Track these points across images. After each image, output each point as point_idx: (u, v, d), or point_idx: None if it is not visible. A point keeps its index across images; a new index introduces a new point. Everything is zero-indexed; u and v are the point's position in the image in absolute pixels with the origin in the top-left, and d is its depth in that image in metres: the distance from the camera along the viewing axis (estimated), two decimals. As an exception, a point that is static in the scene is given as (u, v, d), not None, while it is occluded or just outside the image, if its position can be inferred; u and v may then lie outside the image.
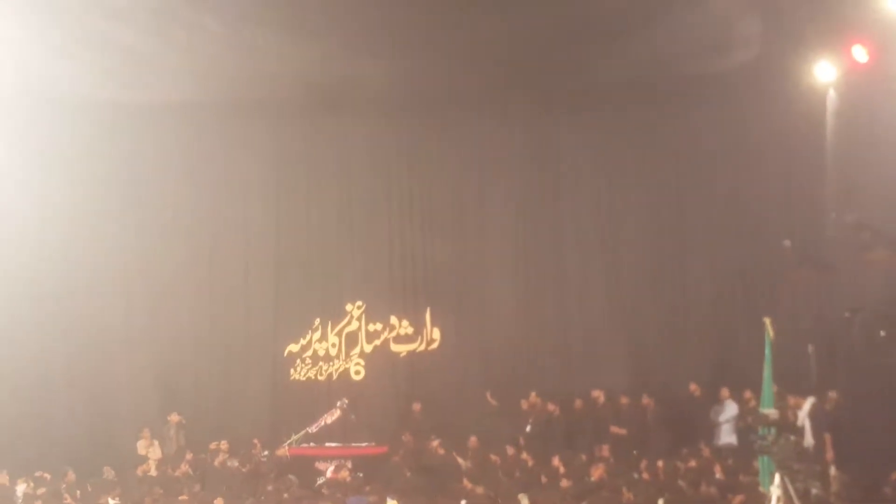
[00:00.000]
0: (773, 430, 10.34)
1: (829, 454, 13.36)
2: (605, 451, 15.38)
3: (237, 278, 18.73)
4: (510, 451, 15.65)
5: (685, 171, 18.04)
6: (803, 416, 13.90)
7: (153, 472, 15.96)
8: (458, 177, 18.88)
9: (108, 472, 15.74)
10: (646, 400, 16.50)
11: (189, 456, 16.36)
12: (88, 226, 17.92)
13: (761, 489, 10.80)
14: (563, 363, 18.21)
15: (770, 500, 9.49)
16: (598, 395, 16.95)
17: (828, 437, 13.61)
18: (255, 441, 16.81)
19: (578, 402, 16.99)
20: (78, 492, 14.64)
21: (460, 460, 15.34)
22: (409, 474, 14.63)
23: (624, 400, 16.71)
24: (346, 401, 16.66)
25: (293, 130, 18.73)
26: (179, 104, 17.52)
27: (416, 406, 17.74)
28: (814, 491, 9.93)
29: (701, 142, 17.68)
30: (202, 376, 18.32)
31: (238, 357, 18.45)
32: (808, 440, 13.43)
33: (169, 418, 17.49)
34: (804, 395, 14.12)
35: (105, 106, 17.44)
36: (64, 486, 14.76)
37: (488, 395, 17.69)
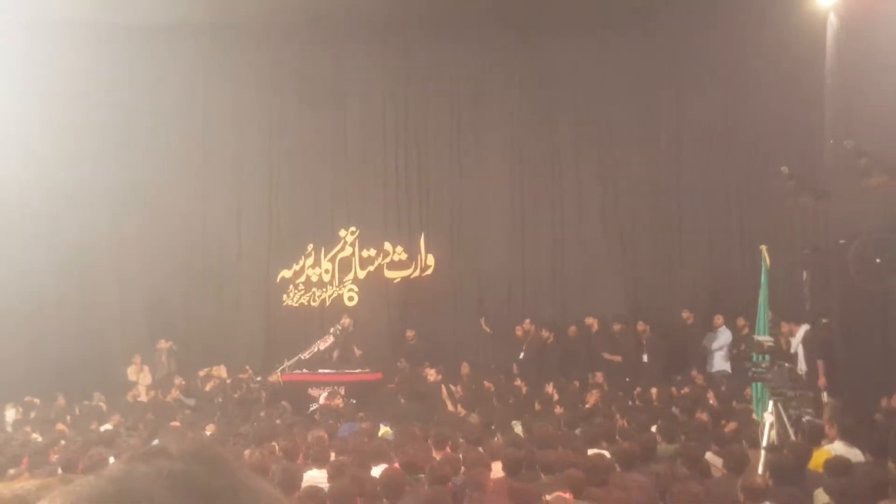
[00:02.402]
0: (766, 358, 10.30)
1: (822, 381, 13.40)
2: (599, 378, 15.40)
3: (229, 203, 18.61)
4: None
5: (682, 96, 17.82)
6: (797, 342, 13.93)
7: (143, 398, 15.95)
8: (453, 101, 18.66)
9: (99, 398, 15.73)
10: (640, 327, 16.50)
11: (180, 381, 16.36)
12: (79, 150, 17.67)
13: (754, 416, 10.83)
14: (557, 290, 18.20)
15: (763, 427, 9.46)
16: (592, 322, 16.95)
17: (821, 363, 13.64)
18: (247, 367, 16.83)
19: (573, 329, 17.00)
20: (68, 417, 14.62)
21: (454, 387, 15.34)
22: (402, 401, 14.63)
23: (617, 327, 16.70)
24: (340, 326, 16.58)
25: (287, 54, 18.47)
26: (173, 26, 17.29)
27: (410, 333, 17.73)
28: (806, 417, 9.92)
29: (698, 66, 17.43)
30: (194, 302, 18.29)
31: (230, 283, 18.42)
32: (802, 367, 13.47)
33: (159, 345, 17.47)
34: (798, 322, 14.13)
35: (100, 28, 17.21)
36: (54, 412, 14.73)
37: (482, 321, 17.69)
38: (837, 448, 8.58)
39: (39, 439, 11.89)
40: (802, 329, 14.03)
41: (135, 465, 1.17)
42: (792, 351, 13.87)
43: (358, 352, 16.66)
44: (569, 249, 18.28)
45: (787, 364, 10.33)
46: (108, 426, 13.19)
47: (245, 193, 18.62)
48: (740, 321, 15.34)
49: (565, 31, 17.84)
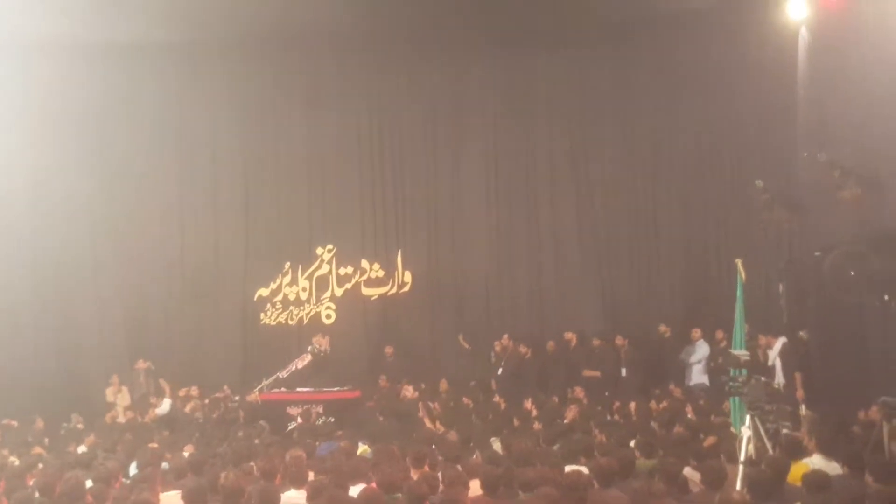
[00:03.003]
0: (743, 372, 10.33)
1: (800, 393, 13.46)
2: (578, 393, 15.37)
3: (206, 222, 18.57)
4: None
5: (657, 110, 17.90)
6: (774, 355, 13.98)
7: (121, 419, 15.82)
8: (429, 117, 18.70)
9: (77, 420, 15.59)
10: (618, 341, 16.50)
11: (158, 402, 16.22)
12: (55, 170, 17.58)
13: (732, 430, 10.83)
14: (535, 305, 18.23)
15: (741, 441, 9.46)
16: (571, 337, 16.94)
17: (798, 376, 13.70)
18: (225, 387, 16.75)
19: (551, 345, 17.00)
20: (46, 439, 14.48)
21: (432, 404, 15.29)
22: (381, 419, 14.57)
23: (596, 342, 16.70)
24: (318, 346, 16.48)
25: (261, 71, 18.45)
26: (148, 44, 17.27)
27: (388, 350, 17.70)
28: (784, 431, 9.95)
29: (673, 81, 17.52)
30: (171, 322, 18.20)
31: (207, 302, 18.35)
32: (779, 379, 13.53)
33: (137, 365, 17.34)
34: (775, 334, 14.18)
35: (76, 46, 17.16)
36: (31, 436, 14.58)
37: (461, 337, 17.68)
38: (816, 461, 8.60)
39: (17, 462, 11.76)
40: (780, 342, 14.08)
41: None
42: (769, 364, 13.92)
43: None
44: (546, 264, 18.30)
45: (763, 378, 10.36)
46: (84, 448, 13.05)
47: (221, 212, 18.56)
48: (718, 334, 15.34)
49: (543, 47, 17.93)
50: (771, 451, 9.27)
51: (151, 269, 18.16)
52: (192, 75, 18.38)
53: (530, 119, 18.46)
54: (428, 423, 13.77)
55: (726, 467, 8.17)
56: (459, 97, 18.54)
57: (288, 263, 18.43)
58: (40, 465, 11.49)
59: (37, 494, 8.83)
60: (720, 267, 17.02)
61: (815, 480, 7.34)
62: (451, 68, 18.47)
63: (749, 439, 9.37)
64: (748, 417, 9.62)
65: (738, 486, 8.15)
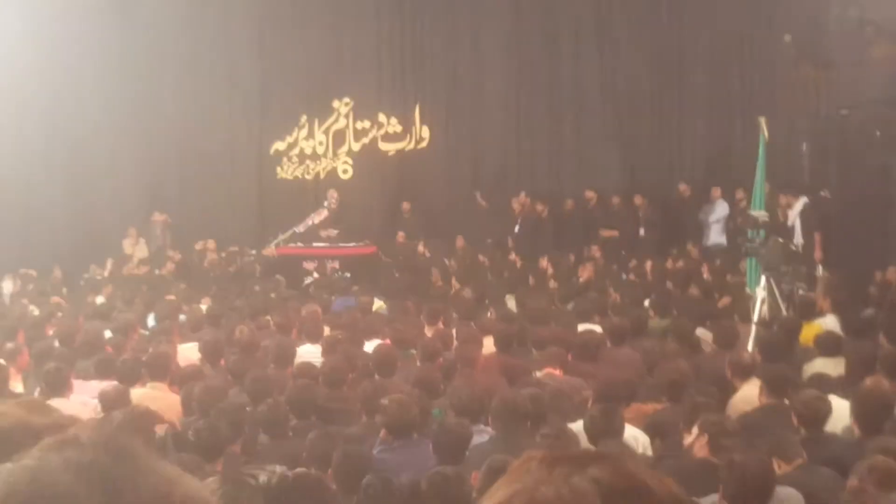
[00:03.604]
0: (761, 232, 10.25)
1: (818, 253, 13.38)
2: (594, 251, 15.36)
3: (221, 73, 18.26)
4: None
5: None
6: (794, 215, 13.85)
7: (139, 271, 15.94)
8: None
9: (95, 271, 15.74)
10: (637, 200, 16.38)
11: (175, 255, 16.35)
12: (70, 28, 17.23)
13: (748, 290, 10.82)
14: (554, 163, 18.01)
15: (755, 302, 9.46)
16: (591, 195, 16.81)
17: (818, 236, 13.60)
18: (242, 241, 16.81)
19: (569, 203, 16.88)
20: (64, 289, 14.65)
21: (448, 261, 15.35)
22: (397, 275, 14.67)
23: (615, 200, 16.59)
24: (333, 200, 16.44)
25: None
26: None
27: (405, 206, 17.62)
28: (800, 292, 9.93)
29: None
30: (187, 174, 18.05)
31: (223, 154, 18.16)
32: (798, 240, 13.43)
33: (154, 217, 17.39)
34: (796, 194, 14.03)
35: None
36: (50, 285, 14.75)
37: (478, 195, 17.57)
38: (829, 322, 8.60)
39: (36, 312, 11.92)
40: (801, 201, 13.93)
41: (48, 454, 1.33)
42: (789, 223, 13.81)
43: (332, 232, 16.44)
44: (566, 121, 17.98)
45: (781, 238, 10.28)
46: (103, 299, 13.21)
47: (237, 63, 18.25)
48: (738, 194, 15.18)
49: None
50: (784, 313, 9.28)
51: (166, 121, 17.96)
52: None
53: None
54: (439, 284, 13.84)
55: (739, 328, 8.19)
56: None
57: (304, 116, 18.21)
58: (59, 315, 11.66)
59: (56, 344, 8.97)
60: (744, 125, 16.66)
61: (827, 341, 7.35)
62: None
63: (763, 300, 9.37)
64: (763, 278, 9.58)
65: (749, 347, 8.18)
